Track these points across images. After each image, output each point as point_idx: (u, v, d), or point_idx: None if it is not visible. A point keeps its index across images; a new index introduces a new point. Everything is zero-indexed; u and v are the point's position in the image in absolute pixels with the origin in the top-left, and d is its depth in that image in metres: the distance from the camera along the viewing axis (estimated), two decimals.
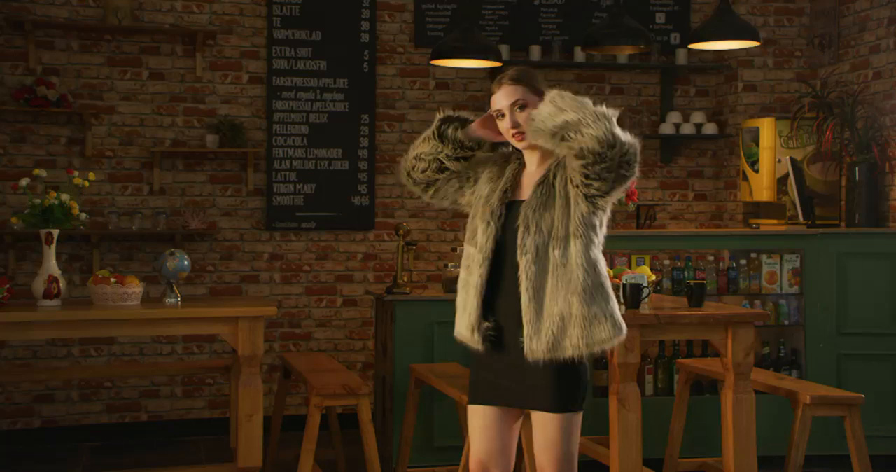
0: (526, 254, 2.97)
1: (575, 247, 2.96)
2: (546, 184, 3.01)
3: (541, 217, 2.98)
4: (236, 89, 6.52)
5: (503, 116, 3.06)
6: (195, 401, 6.42)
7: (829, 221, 6.18)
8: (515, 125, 3.04)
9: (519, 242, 2.99)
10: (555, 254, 2.96)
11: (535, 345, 2.95)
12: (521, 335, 2.97)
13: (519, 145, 3.08)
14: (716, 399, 4.96)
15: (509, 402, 3.08)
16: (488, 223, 3.06)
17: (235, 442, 4.70)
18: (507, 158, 3.19)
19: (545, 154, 3.07)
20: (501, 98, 3.06)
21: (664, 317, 4.06)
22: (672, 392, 5.50)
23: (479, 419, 3.13)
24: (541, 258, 2.96)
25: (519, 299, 2.97)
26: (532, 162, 3.11)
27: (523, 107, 3.03)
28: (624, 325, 3.04)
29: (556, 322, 2.93)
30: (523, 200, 3.04)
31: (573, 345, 2.94)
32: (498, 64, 5.99)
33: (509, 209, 3.06)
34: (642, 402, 4.07)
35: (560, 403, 3.00)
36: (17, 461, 5.70)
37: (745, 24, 5.59)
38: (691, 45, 5.72)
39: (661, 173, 7.09)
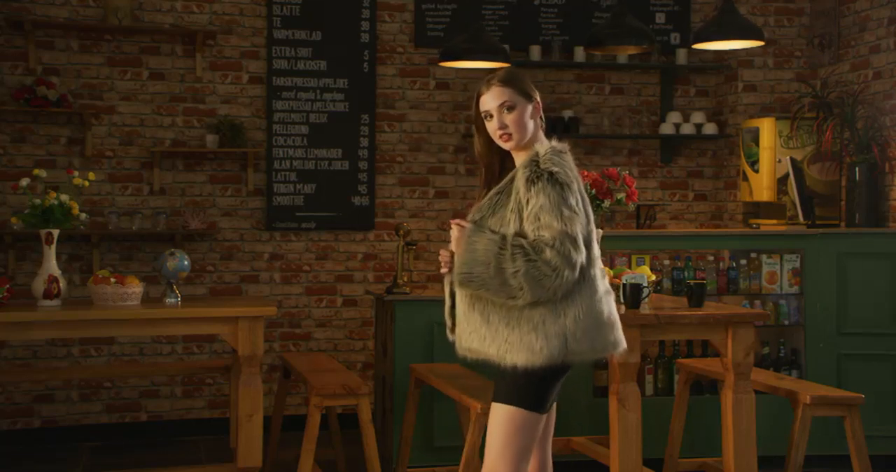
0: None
1: None
2: (504, 193, 3.03)
3: (482, 220, 3.03)
4: (236, 89, 6.52)
5: (491, 117, 3.10)
6: (195, 401, 6.42)
7: (829, 222, 6.18)
8: (503, 127, 3.07)
9: None
10: None
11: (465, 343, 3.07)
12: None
13: (505, 146, 3.10)
14: (716, 399, 4.96)
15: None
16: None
17: (235, 442, 4.70)
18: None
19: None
20: (490, 99, 3.10)
21: (664, 317, 4.05)
22: (672, 392, 5.50)
23: None
24: None
25: None
26: (520, 161, 3.11)
27: (511, 108, 3.07)
28: (544, 353, 2.93)
29: (477, 328, 3.03)
30: None
31: (498, 355, 2.99)
32: (506, 64, 6.00)
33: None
34: (642, 402, 4.07)
35: (500, 394, 3.03)
36: (17, 461, 5.70)
37: (750, 24, 5.59)
38: (695, 45, 5.72)
39: (660, 173, 7.09)
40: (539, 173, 2.93)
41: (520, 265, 2.87)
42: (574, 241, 2.88)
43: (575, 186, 2.97)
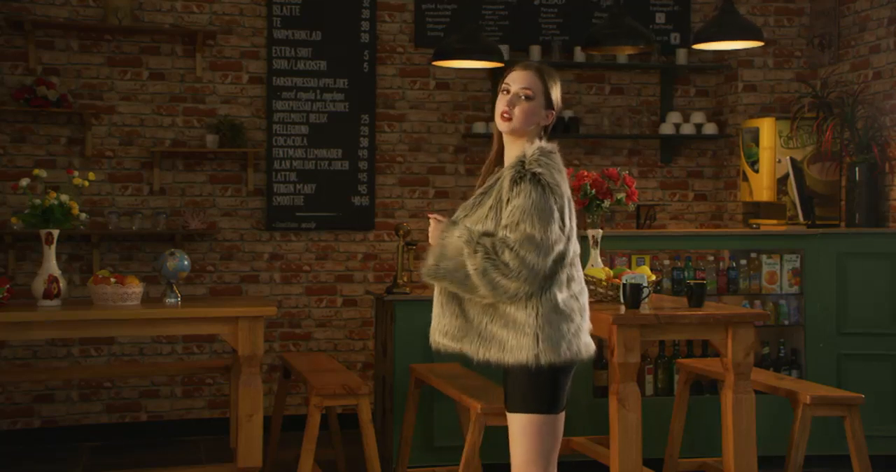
0: None
1: None
2: (487, 194, 3.05)
3: (465, 219, 3.06)
4: (236, 89, 6.52)
5: (507, 93, 3.08)
6: (195, 401, 6.42)
7: (829, 222, 6.18)
8: (511, 106, 3.06)
9: None
10: None
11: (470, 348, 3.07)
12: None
13: (500, 125, 3.10)
14: (716, 399, 4.96)
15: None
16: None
17: (235, 442, 4.70)
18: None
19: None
20: (517, 78, 3.09)
21: (664, 317, 4.05)
22: (672, 392, 5.50)
23: None
24: None
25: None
26: (510, 156, 3.11)
27: (528, 98, 3.06)
28: (515, 351, 2.94)
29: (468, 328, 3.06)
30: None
31: (471, 349, 3.03)
32: (500, 65, 6.00)
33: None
34: (642, 402, 4.07)
35: (513, 403, 3.03)
36: (17, 461, 5.70)
37: (749, 24, 5.59)
38: (695, 46, 5.72)
39: (661, 173, 7.09)
40: (523, 174, 2.93)
41: (479, 263, 2.89)
42: (538, 246, 2.87)
43: (562, 188, 2.96)
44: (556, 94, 3.11)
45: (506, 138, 3.12)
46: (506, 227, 2.91)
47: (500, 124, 3.09)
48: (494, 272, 2.88)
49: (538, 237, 2.87)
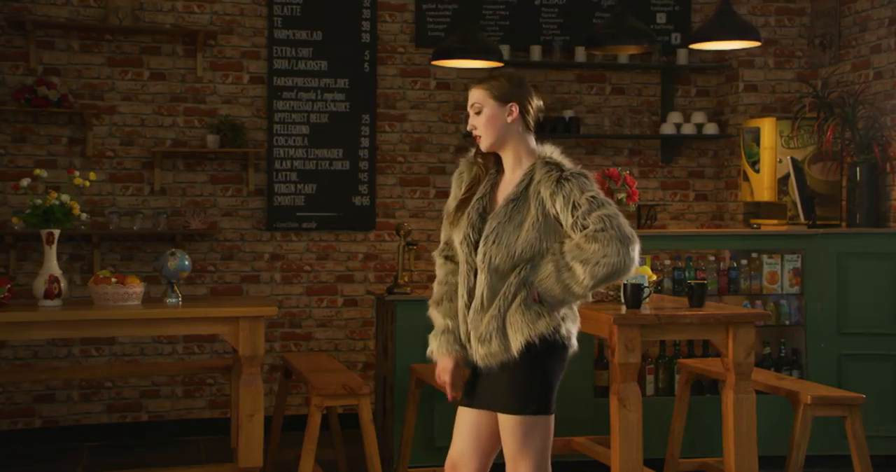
0: (484, 264, 3.06)
1: (525, 269, 3.02)
2: (520, 201, 3.05)
3: (498, 226, 3.04)
4: (237, 89, 6.53)
5: (468, 116, 3.19)
6: (196, 401, 6.42)
7: (830, 222, 6.18)
8: (473, 127, 3.16)
9: (480, 255, 3.07)
10: (508, 268, 3.03)
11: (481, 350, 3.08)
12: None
13: (480, 146, 3.17)
14: (716, 399, 4.95)
15: (481, 404, 3.12)
16: (467, 236, 3.11)
17: (236, 442, 4.70)
18: (482, 161, 3.23)
19: (518, 158, 3.12)
20: (469, 98, 3.19)
21: (665, 317, 4.05)
22: (673, 392, 5.50)
23: (458, 419, 3.20)
24: (497, 270, 3.03)
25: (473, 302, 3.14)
26: (507, 167, 3.16)
27: (479, 111, 3.13)
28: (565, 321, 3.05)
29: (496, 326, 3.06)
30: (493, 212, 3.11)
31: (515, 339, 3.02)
32: (500, 64, 5.99)
33: (483, 220, 3.12)
34: (643, 402, 4.07)
35: (508, 404, 3.03)
36: (17, 461, 5.70)
37: (747, 24, 5.60)
38: (692, 46, 5.73)
39: (661, 173, 7.09)
40: (569, 173, 2.99)
41: (557, 257, 2.96)
42: (616, 214, 2.93)
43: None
44: (506, 90, 3.12)
45: (502, 156, 3.18)
46: (574, 223, 2.94)
47: (480, 145, 3.16)
48: (578, 249, 2.93)
49: (613, 210, 2.94)
